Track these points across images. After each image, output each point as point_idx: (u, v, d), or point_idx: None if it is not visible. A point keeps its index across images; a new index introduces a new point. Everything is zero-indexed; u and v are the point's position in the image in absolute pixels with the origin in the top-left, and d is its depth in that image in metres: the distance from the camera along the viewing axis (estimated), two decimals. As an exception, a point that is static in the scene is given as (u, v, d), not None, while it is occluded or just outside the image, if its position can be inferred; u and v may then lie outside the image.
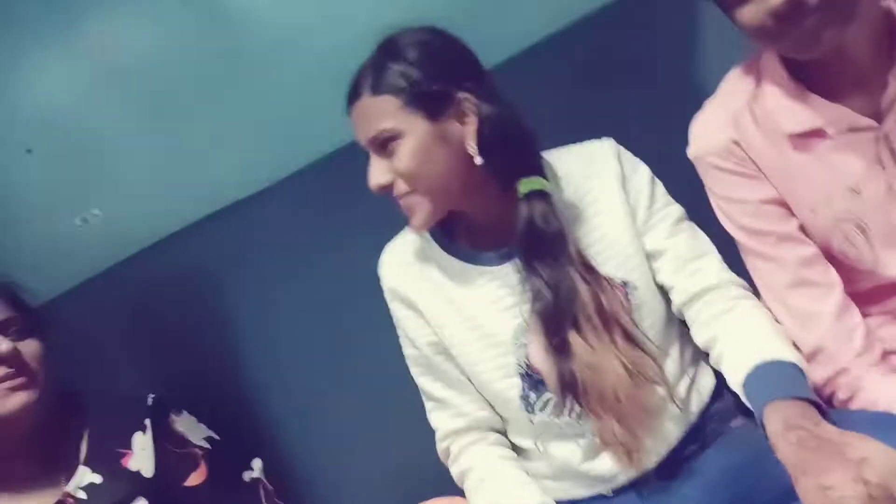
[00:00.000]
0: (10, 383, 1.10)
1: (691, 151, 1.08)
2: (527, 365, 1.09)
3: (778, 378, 0.95)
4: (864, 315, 1.04)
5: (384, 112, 1.03)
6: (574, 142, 1.20)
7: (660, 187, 1.15)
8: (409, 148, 1.03)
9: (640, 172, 1.14)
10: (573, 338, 1.04)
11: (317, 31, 1.38)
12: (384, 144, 1.04)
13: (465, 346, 1.12)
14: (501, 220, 1.08)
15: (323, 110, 1.34)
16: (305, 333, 1.46)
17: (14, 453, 1.15)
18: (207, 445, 1.27)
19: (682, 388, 1.11)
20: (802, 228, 1.04)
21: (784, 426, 0.87)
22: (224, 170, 1.44)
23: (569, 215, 1.10)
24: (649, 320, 1.10)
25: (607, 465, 1.09)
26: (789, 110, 0.99)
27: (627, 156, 1.15)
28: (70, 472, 1.18)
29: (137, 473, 1.19)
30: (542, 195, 1.06)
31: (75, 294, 1.46)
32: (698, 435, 1.11)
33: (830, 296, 1.02)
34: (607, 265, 1.09)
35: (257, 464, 1.32)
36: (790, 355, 0.98)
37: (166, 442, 1.22)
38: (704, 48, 1.35)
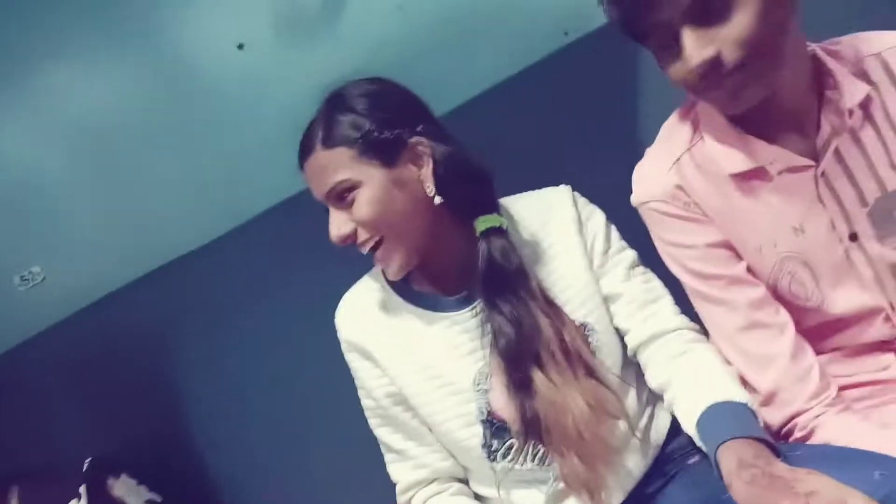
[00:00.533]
0: None
1: (635, 198, 1.08)
2: (488, 412, 1.08)
3: (730, 418, 0.95)
4: (814, 352, 1.04)
5: (338, 164, 1.04)
6: (526, 187, 1.21)
7: (615, 232, 1.17)
8: (367, 196, 1.03)
9: (596, 217, 1.16)
10: (536, 375, 1.04)
11: (268, 86, 1.40)
12: (342, 196, 1.05)
13: (424, 396, 1.10)
14: (461, 263, 1.09)
15: (267, 164, 1.39)
16: (255, 387, 1.43)
17: None
18: None
19: (641, 424, 1.11)
20: (750, 270, 1.04)
21: (737, 465, 0.87)
22: (169, 224, 1.43)
23: (527, 256, 1.10)
24: (609, 360, 1.10)
25: None
26: (729, 152, 1.00)
27: (583, 201, 1.18)
28: None
29: None
30: (499, 232, 1.07)
31: (15, 353, 1.42)
32: (661, 470, 1.11)
33: (783, 337, 1.02)
34: (567, 307, 1.10)
35: None
36: (741, 396, 0.99)
37: None
38: (650, 92, 1.39)
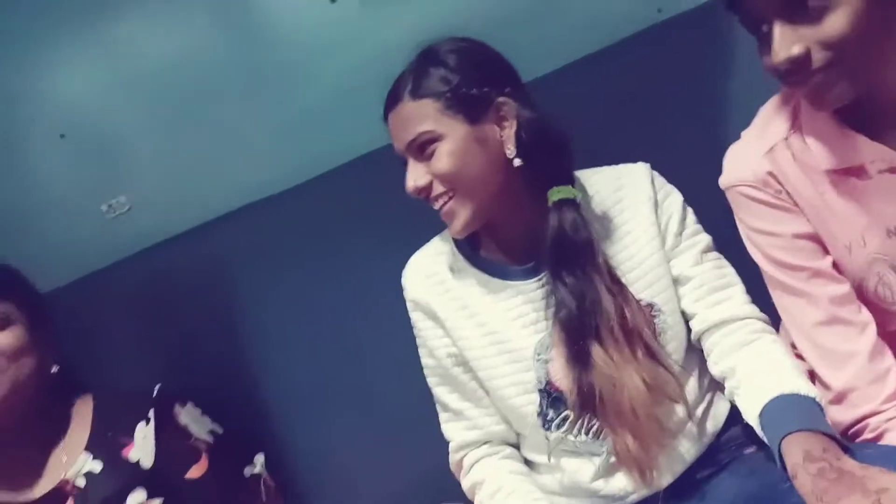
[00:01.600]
0: None
1: (724, 180, 1.06)
2: (547, 382, 1.09)
3: (797, 410, 0.94)
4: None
5: (424, 115, 1.05)
6: (605, 162, 1.20)
7: (691, 214, 1.15)
8: (447, 149, 1.04)
9: (673, 197, 1.14)
10: (594, 349, 1.04)
11: (353, 43, 1.40)
12: (423, 147, 1.06)
13: (485, 360, 1.11)
14: (530, 232, 1.09)
15: (344, 119, 1.40)
16: (317, 334, 1.45)
17: (9, 439, 1.15)
18: (210, 439, 1.26)
19: (699, 411, 1.10)
20: (836, 266, 1.01)
21: (805, 457, 0.86)
22: (246, 170, 1.45)
23: (598, 231, 1.10)
24: (673, 344, 1.09)
25: (620, 485, 1.08)
26: (829, 146, 0.97)
27: (661, 180, 1.16)
28: (72, 458, 1.18)
29: (137, 464, 1.18)
30: (572, 204, 1.06)
31: (96, 278, 1.47)
32: (714, 458, 1.10)
33: (863, 336, 0.99)
34: (634, 285, 1.09)
35: (259, 459, 1.31)
36: (810, 390, 0.97)
37: (169, 433, 1.22)
38: (741, 77, 1.35)
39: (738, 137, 1.07)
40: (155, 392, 1.25)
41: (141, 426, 1.21)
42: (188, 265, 1.45)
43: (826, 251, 1.01)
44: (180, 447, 1.22)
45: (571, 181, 1.09)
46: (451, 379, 1.15)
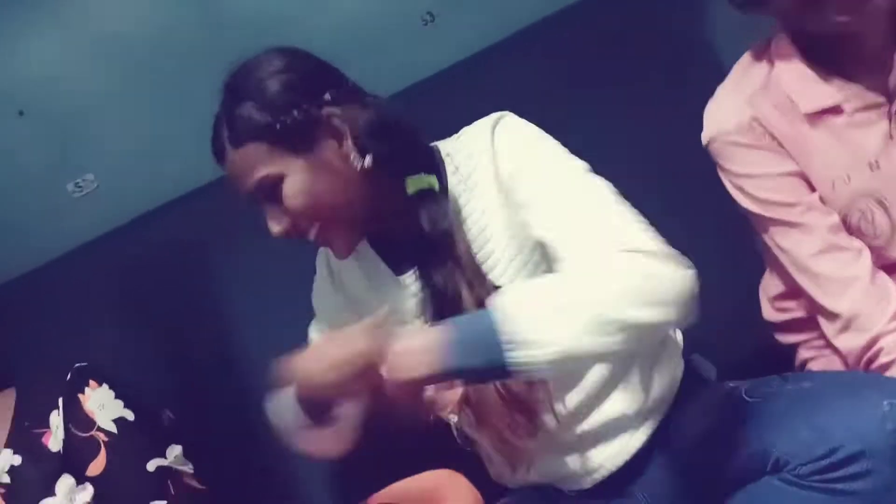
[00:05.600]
0: None
1: (707, 133, 1.07)
2: None
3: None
4: None
5: (254, 161, 0.96)
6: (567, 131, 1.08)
7: (543, 154, 0.99)
8: (292, 188, 0.96)
9: (513, 142, 1.00)
10: None
11: (305, 11, 1.36)
12: (269, 192, 0.97)
13: None
14: (406, 228, 1.01)
15: None
16: (292, 313, 1.41)
17: None
18: (113, 429, 1.14)
19: (627, 391, 1.03)
20: (822, 201, 1.05)
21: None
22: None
23: (459, 213, 1.01)
24: None
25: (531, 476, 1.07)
26: (804, 91, 1.02)
27: (506, 124, 1.01)
28: None
29: (59, 453, 1.12)
30: (429, 194, 0.99)
31: (64, 260, 1.44)
32: (662, 442, 1.04)
33: (861, 259, 1.03)
34: (494, 271, 1.00)
35: (173, 451, 1.17)
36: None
37: (72, 424, 1.13)
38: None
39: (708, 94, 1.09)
40: (69, 375, 1.16)
41: (53, 415, 1.14)
42: (159, 243, 1.41)
43: (813, 188, 1.05)
44: (80, 440, 1.12)
45: (425, 167, 1.00)
46: None
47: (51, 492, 1.11)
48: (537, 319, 0.79)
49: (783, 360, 1.19)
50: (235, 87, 0.98)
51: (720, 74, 1.10)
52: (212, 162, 1.35)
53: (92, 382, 1.15)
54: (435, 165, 1.02)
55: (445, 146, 1.06)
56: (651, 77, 1.32)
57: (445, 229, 0.98)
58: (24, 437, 1.13)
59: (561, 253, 0.92)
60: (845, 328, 1.02)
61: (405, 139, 1.00)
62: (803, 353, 1.16)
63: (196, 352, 1.42)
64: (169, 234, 1.42)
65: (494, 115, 1.03)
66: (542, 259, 0.99)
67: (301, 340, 1.36)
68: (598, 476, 1.05)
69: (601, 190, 0.94)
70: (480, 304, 0.93)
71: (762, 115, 1.04)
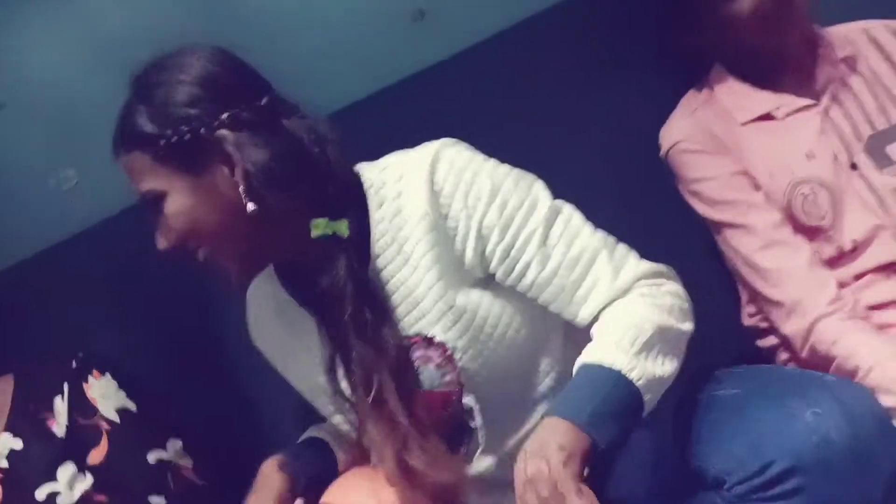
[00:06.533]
0: None
1: (663, 149, 1.22)
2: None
3: (583, 388, 0.84)
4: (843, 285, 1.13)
5: (139, 170, 0.91)
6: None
7: (511, 201, 0.92)
8: (173, 209, 0.90)
9: (461, 182, 0.92)
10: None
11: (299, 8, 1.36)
12: (154, 205, 0.91)
13: (308, 393, 1.07)
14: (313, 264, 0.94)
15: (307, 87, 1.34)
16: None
17: None
18: (115, 418, 1.15)
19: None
20: (767, 199, 1.16)
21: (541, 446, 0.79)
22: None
23: (379, 252, 0.94)
24: (485, 373, 0.95)
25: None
26: (739, 104, 1.20)
27: (449, 159, 0.92)
28: None
29: (62, 439, 1.13)
30: (334, 241, 0.90)
31: (45, 256, 1.42)
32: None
33: (800, 251, 1.13)
34: (420, 322, 0.94)
35: (174, 445, 1.18)
36: (614, 360, 0.84)
37: (76, 410, 1.14)
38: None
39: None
40: (74, 363, 1.17)
41: (57, 400, 1.14)
42: (141, 238, 1.39)
43: (757, 187, 1.16)
44: (83, 427, 1.13)
45: (339, 208, 0.91)
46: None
47: (52, 477, 1.10)
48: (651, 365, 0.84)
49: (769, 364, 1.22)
50: (139, 86, 0.92)
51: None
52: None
53: (95, 372, 1.16)
54: (354, 200, 0.94)
55: (370, 174, 0.96)
56: (642, 76, 1.33)
57: (344, 288, 0.90)
58: (28, 421, 1.13)
59: (570, 309, 0.93)
60: (789, 314, 1.11)
61: (314, 179, 0.90)
62: (783, 356, 1.21)
63: (193, 344, 1.41)
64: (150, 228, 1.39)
65: (433, 147, 0.94)
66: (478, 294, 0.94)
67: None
68: None
69: (571, 222, 0.93)
70: (372, 371, 0.91)
71: (706, 121, 1.19)
